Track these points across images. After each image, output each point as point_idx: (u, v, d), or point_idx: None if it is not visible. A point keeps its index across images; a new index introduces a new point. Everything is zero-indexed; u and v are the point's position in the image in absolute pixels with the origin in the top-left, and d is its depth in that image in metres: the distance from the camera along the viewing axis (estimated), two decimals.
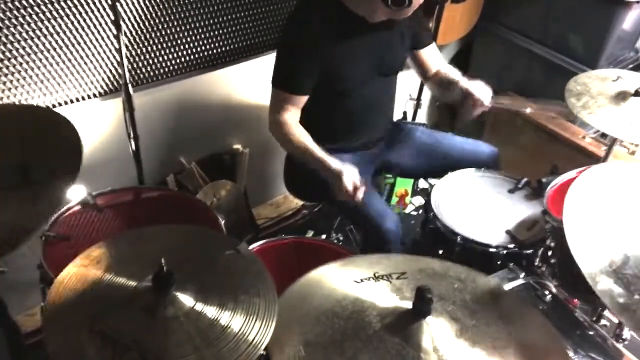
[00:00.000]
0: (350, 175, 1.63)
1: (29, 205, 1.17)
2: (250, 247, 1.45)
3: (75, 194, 1.66)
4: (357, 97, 1.86)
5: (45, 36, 1.76)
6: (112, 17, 1.74)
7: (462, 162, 1.99)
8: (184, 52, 2.09)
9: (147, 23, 1.95)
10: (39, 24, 1.73)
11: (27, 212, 1.16)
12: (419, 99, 2.70)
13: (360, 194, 1.63)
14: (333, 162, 1.68)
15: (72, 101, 1.91)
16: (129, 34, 1.92)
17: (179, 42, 2.06)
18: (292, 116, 1.77)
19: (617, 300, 1.12)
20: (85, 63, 1.88)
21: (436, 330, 1.08)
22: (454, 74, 2.00)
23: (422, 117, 3.17)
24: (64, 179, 1.23)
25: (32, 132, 1.36)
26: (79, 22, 1.80)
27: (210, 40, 2.14)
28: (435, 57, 2.05)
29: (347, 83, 1.81)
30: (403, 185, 2.67)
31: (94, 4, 1.80)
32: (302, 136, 1.75)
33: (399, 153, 2.09)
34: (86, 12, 1.80)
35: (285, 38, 1.83)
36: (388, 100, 2.02)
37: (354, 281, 1.21)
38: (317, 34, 1.72)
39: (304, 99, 1.78)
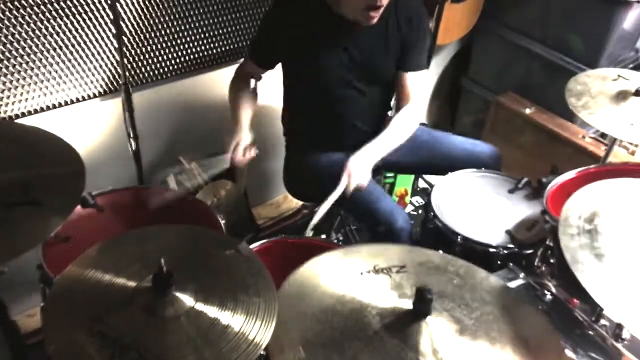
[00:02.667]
0: (237, 139, 1.77)
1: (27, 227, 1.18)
2: (250, 247, 1.46)
3: None
4: (337, 98, 1.85)
5: (45, 36, 1.76)
6: (112, 17, 1.74)
7: (462, 161, 1.99)
8: (184, 52, 2.09)
9: (147, 23, 1.95)
10: (39, 24, 1.73)
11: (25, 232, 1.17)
12: None
13: (241, 155, 1.76)
14: (240, 127, 1.80)
15: (72, 101, 1.91)
16: (128, 34, 1.92)
17: (179, 42, 2.06)
18: (246, 76, 1.90)
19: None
20: (85, 63, 1.88)
21: (435, 331, 1.08)
22: (387, 130, 1.87)
23: (422, 117, 3.17)
24: (65, 206, 1.25)
25: (35, 155, 1.38)
26: (78, 22, 1.80)
27: (210, 40, 2.14)
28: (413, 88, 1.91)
29: (323, 78, 1.81)
30: (403, 184, 2.67)
31: (94, 4, 1.80)
32: (240, 94, 1.87)
33: (398, 151, 2.08)
34: (86, 12, 1.80)
35: (262, 21, 1.93)
36: (374, 109, 1.95)
37: (353, 274, 1.21)
38: (288, 14, 1.76)
39: (261, 71, 1.90)
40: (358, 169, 1.74)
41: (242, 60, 1.96)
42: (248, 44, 2.00)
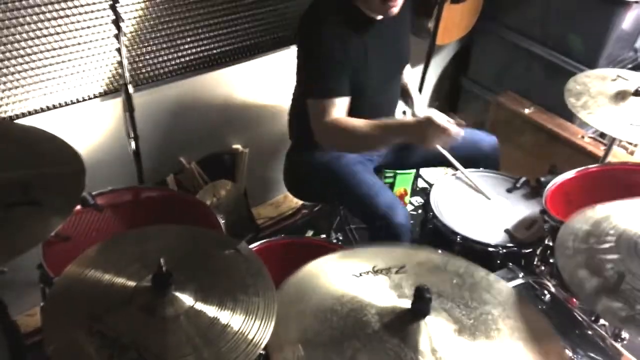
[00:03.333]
0: (437, 115, 1.59)
1: (26, 228, 1.18)
2: (250, 247, 1.46)
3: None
4: (375, 95, 1.84)
5: (45, 36, 1.76)
6: (113, 18, 1.74)
7: (462, 149, 1.95)
8: (184, 52, 2.10)
9: (147, 23, 1.95)
10: (39, 24, 1.73)
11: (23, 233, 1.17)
12: None
13: (454, 129, 1.58)
14: (407, 119, 1.67)
15: (72, 102, 1.91)
16: (129, 34, 1.92)
17: (179, 42, 2.06)
18: (339, 115, 1.71)
19: (619, 314, 1.12)
20: (85, 63, 1.88)
21: (434, 330, 1.09)
22: (412, 86, 2.07)
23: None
24: (65, 205, 1.25)
25: (35, 155, 1.38)
26: (79, 22, 1.80)
27: (210, 40, 2.14)
28: None
29: (371, 82, 1.79)
30: (402, 184, 2.68)
31: (94, 4, 1.80)
32: (359, 121, 1.68)
33: (399, 145, 2.08)
34: (86, 12, 1.80)
35: (312, 51, 1.77)
36: (397, 96, 2.02)
37: (352, 275, 1.21)
38: (339, 36, 1.70)
39: (347, 101, 1.73)
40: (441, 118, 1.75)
41: (316, 116, 1.73)
42: (314, 90, 1.72)
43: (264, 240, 1.70)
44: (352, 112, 1.78)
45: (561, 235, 1.31)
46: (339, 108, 1.70)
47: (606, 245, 1.26)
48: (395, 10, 1.69)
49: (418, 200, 2.84)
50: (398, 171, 2.59)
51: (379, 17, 1.75)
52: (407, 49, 1.98)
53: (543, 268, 1.69)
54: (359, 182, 1.82)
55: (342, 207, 2.20)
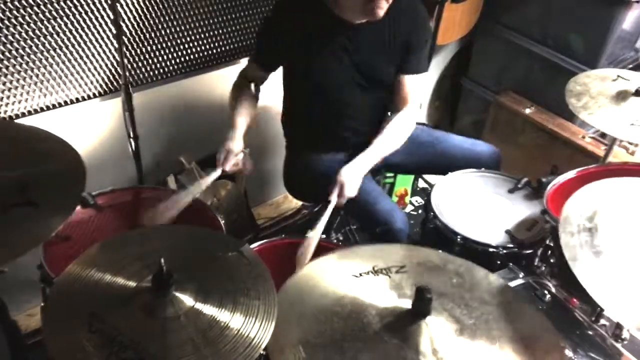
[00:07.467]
0: (228, 147, 1.73)
1: (27, 229, 1.18)
2: (250, 247, 1.46)
3: None
4: (336, 100, 1.84)
5: (45, 36, 1.76)
6: (112, 17, 1.74)
7: (462, 161, 1.98)
8: (184, 52, 2.09)
9: (147, 23, 1.95)
10: (39, 24, 1.73)
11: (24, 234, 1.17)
12: None
13: (227, 166, 1.73)
14: (233, 134, 1.76)
15: (72, 101, 1.91)
16: (129, 34, 1.92)
17: (179, 42, 2.06)
18: (245, 79, 1.90)
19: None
20: (85, 63, 1.88)
21: (435, 330, 1.09)
22: (378, 138, 1.85)
23: (422, 117, 3.17)
24: (65, 206, 1.24)
25: (34, 155, 1.37)
26: (78, 22, 1.80)
27: (210, 40, 2.14)
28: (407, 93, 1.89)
29: (324, 79, 1.80)
30: (403, 184, 2.68)
31: (94, 4, 1.80)
32: (237, 97, 1.85)
33: (398, 151, 2.08)
34: (86, 12, 1.80)
35: (265, 20, 1.92)
36: (373, 112, 1.92)
37: (352, 275, 1.21)
38: (289, 19, 1.75)
39: (261, 74, 1.89)
40: (350, 180, 1.72)
41: (245, 62, 1.94)
42: (252, 47, 1.98)
43: (264, 241, 1.69)
44: (317, 110, 1.89)
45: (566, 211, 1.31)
46: (253, 72, 1.90)
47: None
48: (380, 12, 1.62)
49: (418, 200, 2.84)
50: None
51: (358, 22, 1.72)
52: (382, 68, 1.82)
53: (544, 268, 1.69)
54: (357, 190, 1.82)
55: (342, 211, 2.20)
